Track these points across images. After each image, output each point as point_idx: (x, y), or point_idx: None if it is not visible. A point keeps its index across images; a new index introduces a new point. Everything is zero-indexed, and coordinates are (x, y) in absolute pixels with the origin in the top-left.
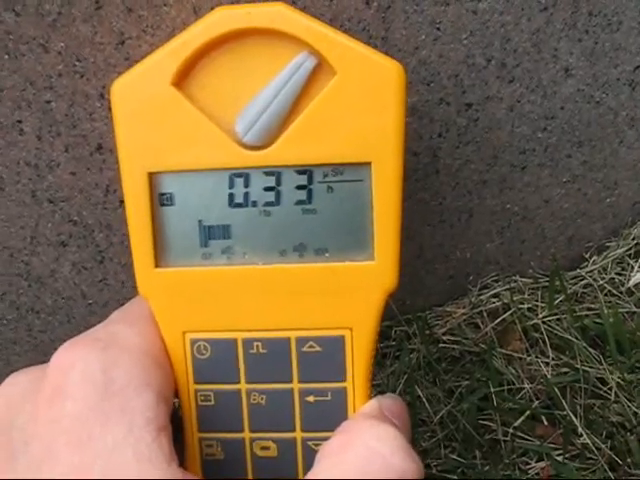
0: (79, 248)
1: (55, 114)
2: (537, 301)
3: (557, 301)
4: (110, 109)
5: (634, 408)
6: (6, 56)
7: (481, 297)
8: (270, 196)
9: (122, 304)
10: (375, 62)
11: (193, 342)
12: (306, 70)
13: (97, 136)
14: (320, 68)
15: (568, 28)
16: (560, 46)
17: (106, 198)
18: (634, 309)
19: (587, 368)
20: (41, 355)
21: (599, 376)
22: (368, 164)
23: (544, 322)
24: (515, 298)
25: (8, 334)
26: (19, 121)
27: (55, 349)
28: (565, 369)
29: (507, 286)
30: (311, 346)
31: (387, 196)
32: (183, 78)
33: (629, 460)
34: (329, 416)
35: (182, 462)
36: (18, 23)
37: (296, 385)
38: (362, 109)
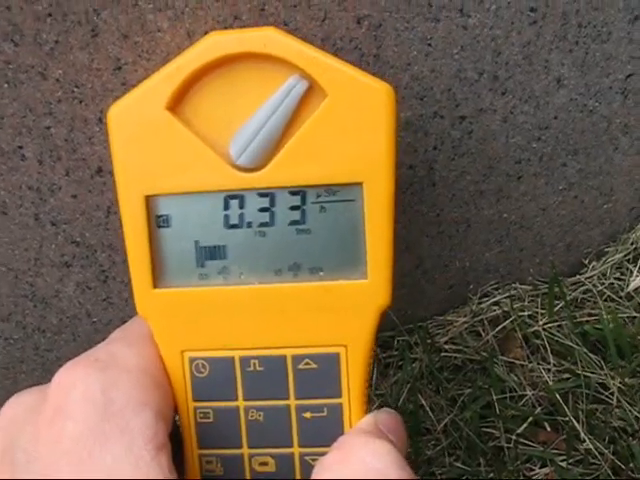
0: (82, 268)
1: (55, 139)
2: (537, 308)
3: (557, 307)
4: (108, 132)
5: (636, 413)
6: (6, 85)
7: (481, 305)
8: (265, 217)
9: (125, 322)
10: (365, 84)
11: (191, 361)
12: (298, 93)
13: (97, 159)
14: (311, 91)
15: (558, 40)
16: (551, 57)
17: (107, 219)
18: (634, 314)
19: (588, 374)
20: (48, 373)
21: (600, 381)
22: (360, 184)
23: (544, 329)
24: (515, 305)
25: (15, 353)
26: (20, 147)
27: (61, 367)
28: (566, 375)
29: (507, 294)
30: (307, 363)
31: (379, 215)
32: (177, 102)
33: (632, 465)
34: (325, 432)
35: (182, 479)
36: (17, 53)
37: (293, 402)
38: (353, 130)
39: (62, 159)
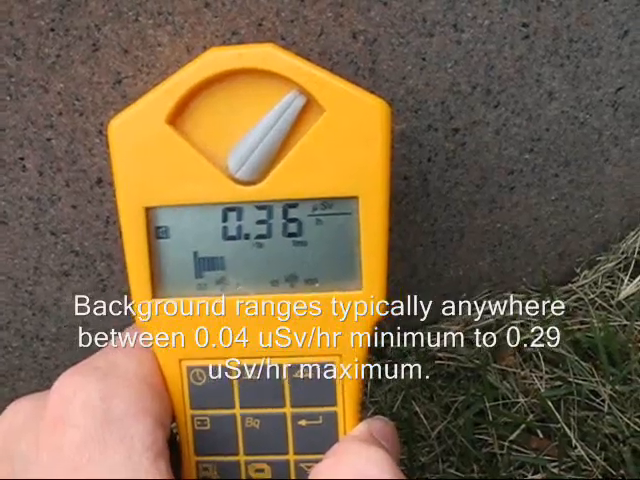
0: (81, 277)
1: (56, 151)
2: (529, 316)
3: (549, 316)
4: (109, 145)
5: (626, 419)
6: (8, 97)
7: (474, 314)
8: (262, 229)
9: (123, 330)
10: (361, 100)
11: (189, 369)
12: (295, 108)
13: (97, 170)
14: (309, 106)
15: (550, 54)
16: (543, 71)
17: (106, 229)
18: (625, 322)
19: (580, 381)
20: (46, 381)
21: (592, 389)
22: (356, 198)
23: (536, 337)
24: (508, 314)
25: (14, 361)
26: (21, 158)
27: (59, 375)
28: (558, 382)
29: (500, 302)
30: (303, 372)
31: (374, 228)
32: (177, 116)
33: (622, 471)
34: (320, 439)
35: None
36: (19, 66)
37: (289, 410)
38: (349, 145)
39: (62, 170)
